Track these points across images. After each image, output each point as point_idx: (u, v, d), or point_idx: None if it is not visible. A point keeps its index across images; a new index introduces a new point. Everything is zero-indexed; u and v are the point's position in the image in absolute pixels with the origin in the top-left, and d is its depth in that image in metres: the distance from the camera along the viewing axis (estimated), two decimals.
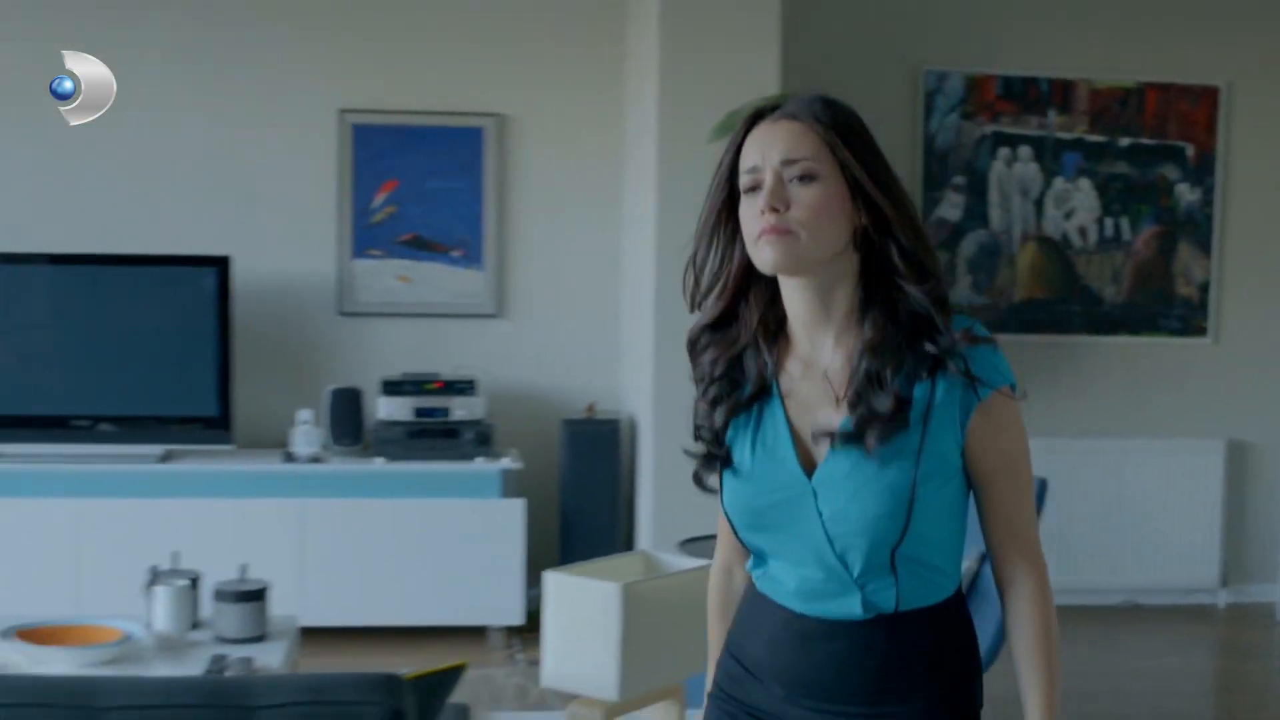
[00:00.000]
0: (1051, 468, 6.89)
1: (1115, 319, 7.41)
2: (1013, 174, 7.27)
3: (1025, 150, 7.27)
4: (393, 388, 6.55)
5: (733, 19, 6.21)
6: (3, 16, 6.63)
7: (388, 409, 6.51)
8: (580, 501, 6.58)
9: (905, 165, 7.14)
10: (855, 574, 2.21)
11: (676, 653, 3.25)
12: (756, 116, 2.26)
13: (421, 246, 6.91)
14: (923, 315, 2.18)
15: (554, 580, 3.21)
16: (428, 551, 6.33)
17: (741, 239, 2.26)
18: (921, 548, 2.22)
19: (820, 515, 2.21)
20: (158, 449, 6.40)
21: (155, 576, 4.74)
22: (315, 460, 6.43)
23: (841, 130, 2.20)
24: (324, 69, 6.82)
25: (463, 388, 6.58)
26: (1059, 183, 7.32)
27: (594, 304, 7.02)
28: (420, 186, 6.87)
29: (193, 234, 6.68)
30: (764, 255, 2.19)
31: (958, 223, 7.23)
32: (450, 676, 3.27)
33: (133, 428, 6.43)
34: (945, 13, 7.25)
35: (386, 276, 6.89)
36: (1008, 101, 7.26)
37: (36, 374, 6.47)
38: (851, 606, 2.23)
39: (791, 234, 2.16)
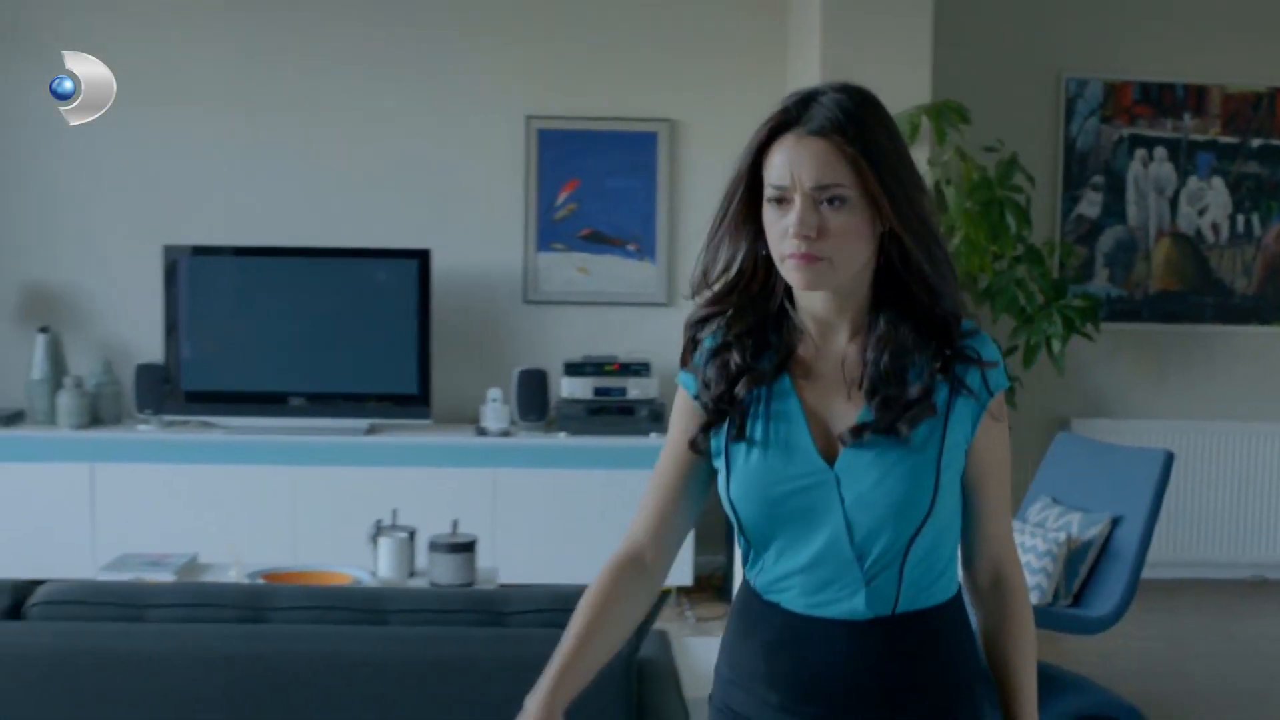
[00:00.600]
0: (1183, 448, 7.40)
1: (1246, 310, 7.84)
2: (1149, 174, 7.73)
3: (1160, 151, 7.73)
4: (574, 369, 7.17)
5: (889, 32, 6.69)
6: (233, 35, 7.34)
7: (570, 388, 7.13)
8: None
9: (1047, 166, 7.63)
10: (867, 565, 2.20)
11: None
12: (783, 125, 2.22)
13: (599, 241, 7.52)
14: (936, 321, 2.21)
15: None
16: (606, 517, 6.87)
17: (759, 234, 2.24)
18: (936, 541, 2.22)
19: (842, 502, 2.19)
20: (364, 423, 7.08)
21: (379, 530, 5.40)
22: (505, 434, 7.07)
23: (867, 147, 2.16)
24: (512, 80, 7.43)
25: (638, 369, 7.18)
26: (1193, 181, 7.77)
27: None
28: (599, 186, 7.49)
29: (397, 229, 7.33)
30: (794, 278, 2.19)
31: (1096, 219, 7.72)
32: (660, 600, 3.89)
33: (342, 404, 7.11)
34: (1085, 23, 7.71)
35: (568, 268, 7.51)
36: (1144, 106, 7.72)
37: (259, 356, 7.15)
38: (855, 603, 2.21)
39: (823, 260, 2.16)
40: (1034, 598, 5.30)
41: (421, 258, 7.05)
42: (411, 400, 7.10)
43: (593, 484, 6.91)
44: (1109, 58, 7.73)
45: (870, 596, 2.20)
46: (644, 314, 7.53)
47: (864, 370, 2.21)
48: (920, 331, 2.20)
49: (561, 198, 7.48)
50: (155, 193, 7.36)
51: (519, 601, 3.33)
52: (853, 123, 2.14)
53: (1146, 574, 6.82)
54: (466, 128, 7.44)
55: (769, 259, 2.23)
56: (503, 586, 5.67)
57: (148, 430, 7.05)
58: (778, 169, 2.17)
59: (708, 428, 2.27)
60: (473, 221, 7.48)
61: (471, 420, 7.29)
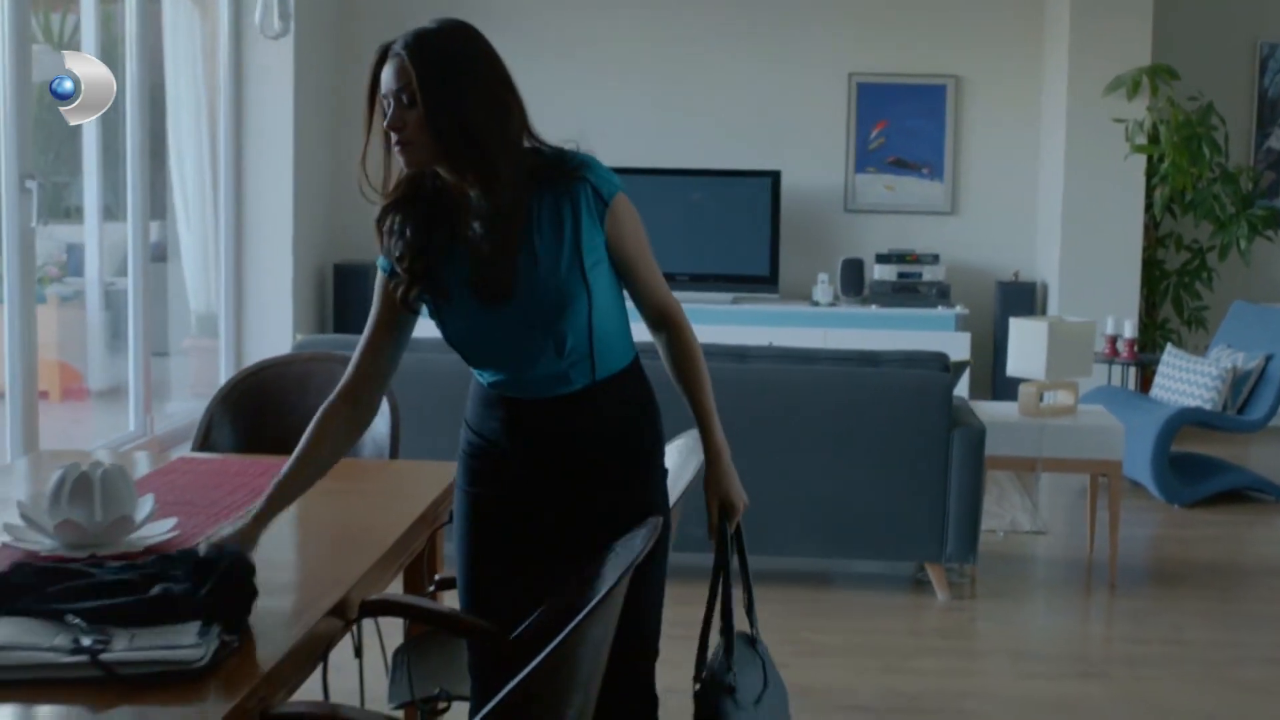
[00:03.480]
0: None
1: None
2: None
3: None
4: (883, 259, 9.75)
5: (1119, 11, 9.20)
6: (637, 10, 10.07)
7: (880, 273, 9.72)
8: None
9: (1244, 110, 10.01)
10: (565, 358, 2.83)
11: (1074, 362, 6.37)
12: (385, 52, 2.72)
13: (902, 166, 10.11)
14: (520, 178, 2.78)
15: (1015, 324, 6.40)
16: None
17: None
18: (603, 320, 2.86)
19: (532, 326, 2.81)
20: (729, 296, 9.76)
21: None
22: (831, 305, 9.70)
23: (424, 65, 2.68)
24: (840, 45, 10.01)
25: (929, 260, 9.73)
26: None
27: (1019, 204, 10.07)
28: (902, 125, 10.06)
29: (757, 155, 9.99)
30: (400, 161, 2.74)
31: None
32: (963, 367, 6.50)
33: (714, 282, 9.78)
34: None
35: (878, 186, 10.12)
36: None
37: (653, 245, 9.85)
38: (575, 384, 2.87)
39: (411, 144, 2.71)
40: (1207, 407, 7.82)
41: (774, 177, 9.72)
42: (764, 280, 9.75)
43: (896, 341, 9.34)
44: None
45: (576, 375, 2.86)
46: (933, 220, 10.11)
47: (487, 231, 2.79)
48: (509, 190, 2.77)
49: (874, 134, 10.09)
50: (577, 123, 9.98)
51: (888, 356, 6.00)
52: (417, 43, 2.71)
53: None
54: (807, 82, 10.08)
55: None
56: None
57: None
58: (381, 83, 2.73)
59: (409, 290, 2.83)
60: (811, 151, 10.11)
61: (806, 296, 9.93)
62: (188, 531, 3.19)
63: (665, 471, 3.06)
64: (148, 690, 2.32)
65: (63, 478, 3.06)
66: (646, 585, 2.88)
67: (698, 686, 3.05)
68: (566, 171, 2.83)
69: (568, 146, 2.91)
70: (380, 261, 2.88)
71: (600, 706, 2.60)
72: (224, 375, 9.13)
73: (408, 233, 2.81)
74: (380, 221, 2.84)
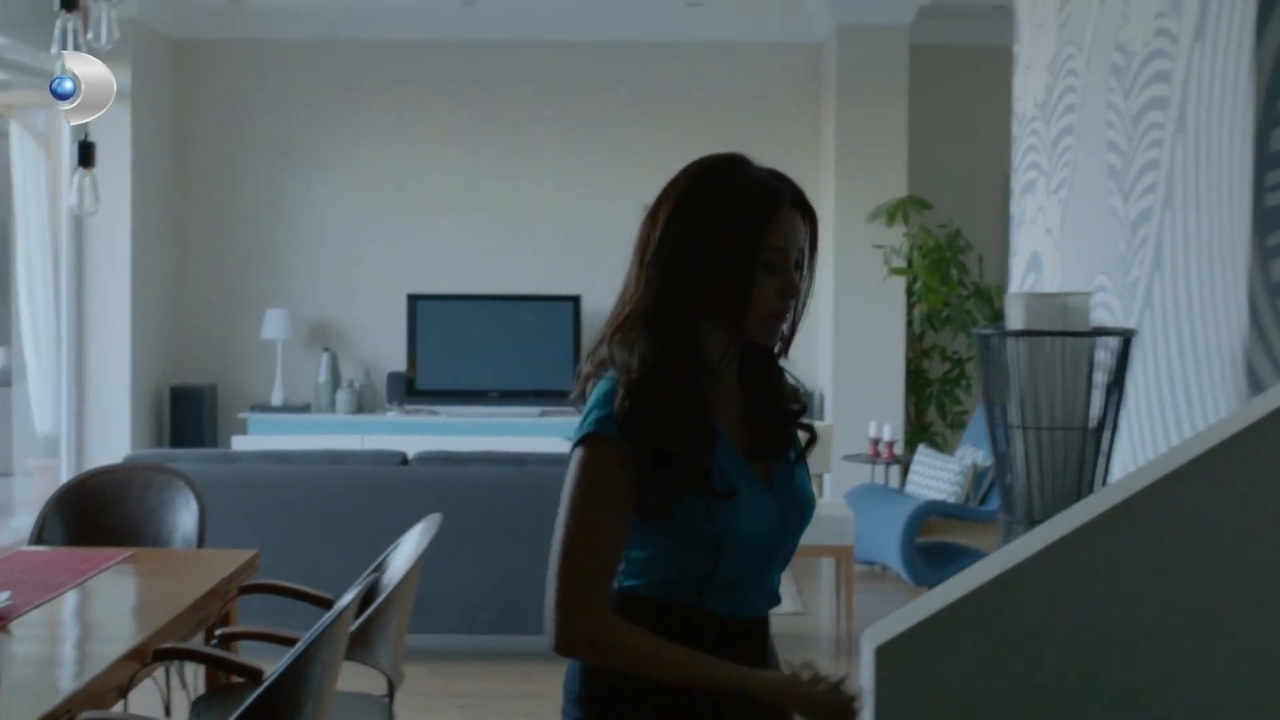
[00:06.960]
0: None
1: None
2: None
3: None
4: None
5: (877, 149, 10.31)
6: (452, 149, 11.03)
7: None
8: None
9: (997, 234, 11.12)
10: (777, 567, 2.44)
11: (814, 459, 7.31)
12: (787, 198, 2.39)
13: None
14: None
15: None
16: None
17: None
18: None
19: (782, 518, 2.40)
20: (537, 409, 10.65)
21: None
22: None
23: (814, 229, 2.39)
24: (632, 175, 11.03)
25: None
26: None
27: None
28: None
29: (559, 281, 10.93)
30: (772, 333, 2.37)
31: None
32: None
33: (523, 397, 10.67)
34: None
35: None
36: None
37: (468, 364, 10.72)
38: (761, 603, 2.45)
39: (787, 314, 2.36)
40: (950, 500, 8.83)
41: (575, 301, 10.66)
42: (568, 394, 10.59)
43: None
44: None
45: (778, 591, 2.47)
46: None
47: (762, 404, 2.43)
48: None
49: None
50: (399, 254, 11.01)
51: None
52: (808, 203, 2.41)
53: None
54: (602, 215, 11.04)
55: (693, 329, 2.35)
56: None
57: (395, 415, 10.67)
58: (782, 236, 2.34)
59: (674, 496, 2.29)
60: (609, 275, 10.98)
61: None
62: (18, 601, 4.00)
63: None
64: None
65: None
66: None
67: None
68: (799, 398, 2.55)
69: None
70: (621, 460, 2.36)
71: None
72: None
73: (669, 433, 2.33)
74: (637, 405, 2.37)
